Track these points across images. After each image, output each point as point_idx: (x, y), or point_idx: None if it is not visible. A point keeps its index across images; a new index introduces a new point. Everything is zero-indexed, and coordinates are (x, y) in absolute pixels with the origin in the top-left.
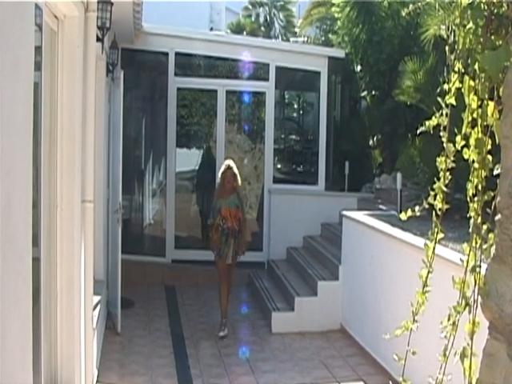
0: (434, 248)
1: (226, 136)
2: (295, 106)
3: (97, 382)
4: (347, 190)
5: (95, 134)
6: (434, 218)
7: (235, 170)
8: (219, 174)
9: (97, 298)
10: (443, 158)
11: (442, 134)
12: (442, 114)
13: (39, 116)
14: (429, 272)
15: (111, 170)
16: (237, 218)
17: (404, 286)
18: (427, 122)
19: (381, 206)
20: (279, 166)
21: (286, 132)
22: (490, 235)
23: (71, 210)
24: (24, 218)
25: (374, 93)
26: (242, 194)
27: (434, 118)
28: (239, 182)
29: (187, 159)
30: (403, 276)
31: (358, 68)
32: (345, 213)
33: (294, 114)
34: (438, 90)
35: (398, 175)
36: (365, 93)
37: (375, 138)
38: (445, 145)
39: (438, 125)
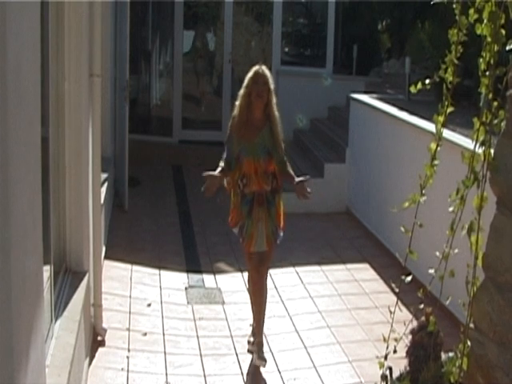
0: (443, 122)
1: (234, 18)
2: None
3: (104, 257)
4: (355, 73)
5: (102, 9)
6: (445, 91)
7: (271, 80)
8: (241, 91)
9: (104, 175)
10: (455, 31)
11: (454, 6)
12: None
13: None
14: (437, 145)
15: (118, 48)
16: (268, 174)
17: (410, 169)
18: None
19: (389, 90)
20: (287, 50)
21: (294, 15)
22: (501, 111)
23: (79, 84)
24: (33, 83)
25: None
26: (278, 125)
27: None
28: (275, 106)
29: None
30: (409, 159)
31: None
32: (353, 95)
33: None
34: None
35: (407, 59)
36: None
37: (384, 23)
38: (457, 17)
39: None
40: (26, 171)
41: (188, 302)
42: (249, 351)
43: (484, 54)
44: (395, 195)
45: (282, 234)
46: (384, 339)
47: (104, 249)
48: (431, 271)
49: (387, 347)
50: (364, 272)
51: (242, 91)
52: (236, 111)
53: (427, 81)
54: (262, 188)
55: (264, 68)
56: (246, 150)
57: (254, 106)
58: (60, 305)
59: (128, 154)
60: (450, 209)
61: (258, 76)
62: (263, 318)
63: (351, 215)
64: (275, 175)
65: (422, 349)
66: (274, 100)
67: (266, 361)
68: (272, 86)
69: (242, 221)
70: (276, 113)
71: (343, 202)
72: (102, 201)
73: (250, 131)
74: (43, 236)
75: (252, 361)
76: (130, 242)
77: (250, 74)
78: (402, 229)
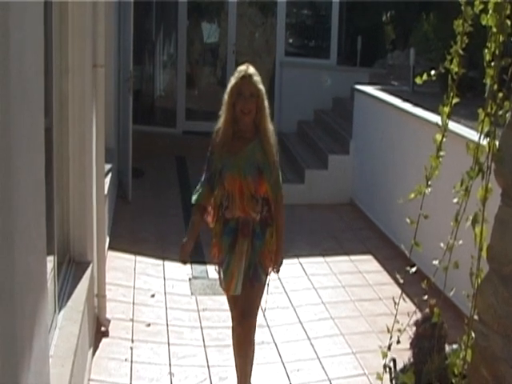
0: (449, 113)
1: (238, 9)
2: None
3: (108, 248)
4: (359, 65)
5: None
6: (450, 82)
7: (260, 86)
8: (225, 96)
9: (108, 166)
10: (461, 21)
11: None
12: None
13: None
14: (443, 136)
15: (122, 38)
16: (257, 198)
17: (414, 161)
18: None
19: (393, 82)
20: (291, 41)
21: (298, 6)
22: (506, 102)
23: (82, 74)
24: (36, 74)
25: None
26: (271, 138)
27: None
28: (267, 110)
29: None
30: (414, 150)
31: None
32: (357, 87)
33: None
34: None
35: (412, 51)
36: None
37: (388, 14)
38: (463, 8)
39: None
40: (30, 162)
41: (192, 293)
42: None
43: (489, 45)
44: (399, 186)
45: (265, 277)
46: (388, 330)
47: (108, 239)
48: (435, 262)
49: (391, 338)
50: (368, 263)
51: (225, 97)
52: (220, 123)
53: (433, 72)
54: (248, 215)
55: (251, 72)
56: (229, 164)
57: (244, 117)
58: (64, 295)
59: (132, 144)
60: (455, 200)
61: (243, 86)
62: (249, 374)
63: (355, 207)
64: (268, 201)
65: (426, 340)
66: (267, 111)
67: None
68: (262, 93)
69: (221, 255)
70: (269, 127)
71: (347, 193)
72: (106, 192)
73: (236, 144)
74: (47, 227)
75: None
76: (134, 233)
77: (233, 80)
78: (408, 220)
